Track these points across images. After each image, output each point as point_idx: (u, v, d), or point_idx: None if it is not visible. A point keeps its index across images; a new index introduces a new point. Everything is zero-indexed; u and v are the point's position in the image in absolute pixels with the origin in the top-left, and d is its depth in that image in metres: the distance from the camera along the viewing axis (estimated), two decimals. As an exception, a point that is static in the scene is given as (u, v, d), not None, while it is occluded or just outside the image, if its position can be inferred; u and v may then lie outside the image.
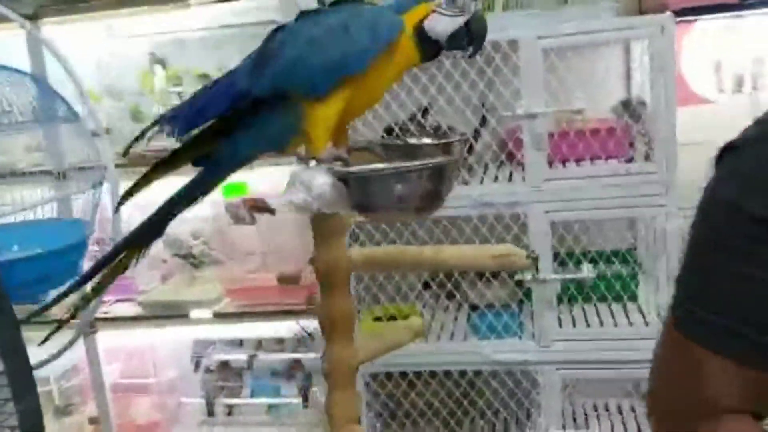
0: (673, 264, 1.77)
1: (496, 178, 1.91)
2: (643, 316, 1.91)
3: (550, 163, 1.83)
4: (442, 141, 1.17)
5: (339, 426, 1.17)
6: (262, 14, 2.08)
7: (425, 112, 1.97)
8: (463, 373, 2.05)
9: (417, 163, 1.05)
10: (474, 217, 1.90)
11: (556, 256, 1.90)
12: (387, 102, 1.90)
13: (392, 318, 1.91)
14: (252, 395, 2.38)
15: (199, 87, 1.19)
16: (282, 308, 2.12)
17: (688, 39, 2.14)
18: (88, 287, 1.29)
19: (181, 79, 2.29)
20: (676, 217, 1.76)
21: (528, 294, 1.91)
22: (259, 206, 1.88)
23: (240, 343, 2.43)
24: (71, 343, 1.84)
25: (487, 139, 2.09)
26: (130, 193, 1.18)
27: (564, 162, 1.88)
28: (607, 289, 1.96)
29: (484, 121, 2.00)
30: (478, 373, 2.05)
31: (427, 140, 1.19)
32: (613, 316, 1.94)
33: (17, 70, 1.62)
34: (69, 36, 2.14)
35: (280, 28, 1.11)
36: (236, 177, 1.22)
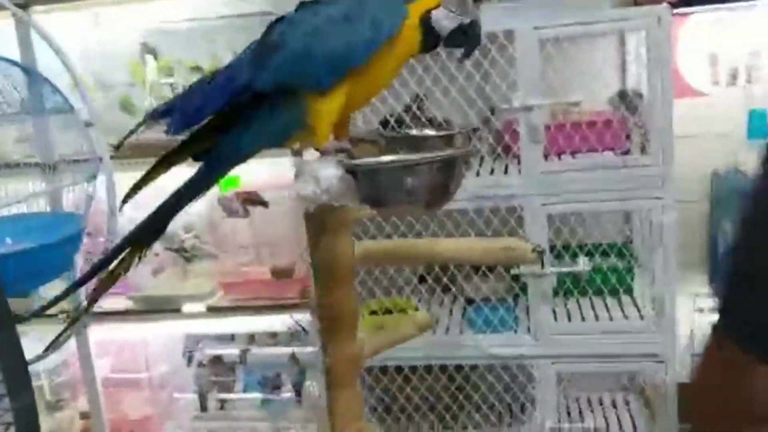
0: (669, 257, 1.77)
1: (492, 171, 1.89)
2: (639, 310, 1.91)
3: (546, 156, 1.83)
4: (446, 133, 1.15)
5: (343, 424, 1.14)
6: (254, 5, 2.06)
7: (420, 101, 1.96)
8: (458, 367, 2.04)
9: (428, 155, 1.02)
10: (470, 209, 1.89)
11: (552, 249, 1.90)
12: (382, 93, 1.88)
13: (388, 312, 1.90)
14: (245, 390, 2.36)
15: (192, 79, 1.16)
16: (276, 302, 2.11)
17: (682, 32, 2.14)
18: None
19: (173, 69, 2.25)
20: (672, 210, 1.76)
21: (524, 288, 1.90)
22: (252, 199, 1.87)
23: (231, 338, 2.42)
24: (64, 339, 1.81)
25: (483, 132, 2.08)
26: (134, 191, 1.14)
27: (560, 154, 1.87)
28: (603, 283, 1.95)
29: (486, 120, 1.99)
30: (473, 367, 2.05)
31: (429, 132, 1.17)
32: (608, 310, 1.93)
33: (7, 59, 1.59)
34: (55, 24, 2.08)
35: (280, 20, 1.08)
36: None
